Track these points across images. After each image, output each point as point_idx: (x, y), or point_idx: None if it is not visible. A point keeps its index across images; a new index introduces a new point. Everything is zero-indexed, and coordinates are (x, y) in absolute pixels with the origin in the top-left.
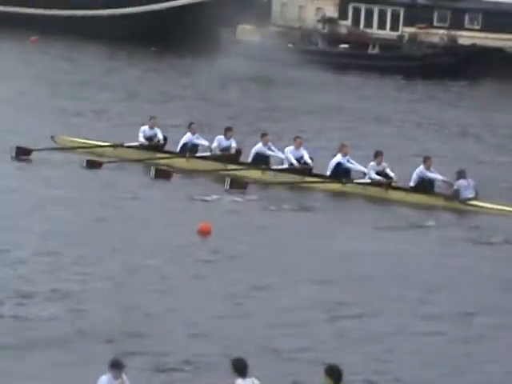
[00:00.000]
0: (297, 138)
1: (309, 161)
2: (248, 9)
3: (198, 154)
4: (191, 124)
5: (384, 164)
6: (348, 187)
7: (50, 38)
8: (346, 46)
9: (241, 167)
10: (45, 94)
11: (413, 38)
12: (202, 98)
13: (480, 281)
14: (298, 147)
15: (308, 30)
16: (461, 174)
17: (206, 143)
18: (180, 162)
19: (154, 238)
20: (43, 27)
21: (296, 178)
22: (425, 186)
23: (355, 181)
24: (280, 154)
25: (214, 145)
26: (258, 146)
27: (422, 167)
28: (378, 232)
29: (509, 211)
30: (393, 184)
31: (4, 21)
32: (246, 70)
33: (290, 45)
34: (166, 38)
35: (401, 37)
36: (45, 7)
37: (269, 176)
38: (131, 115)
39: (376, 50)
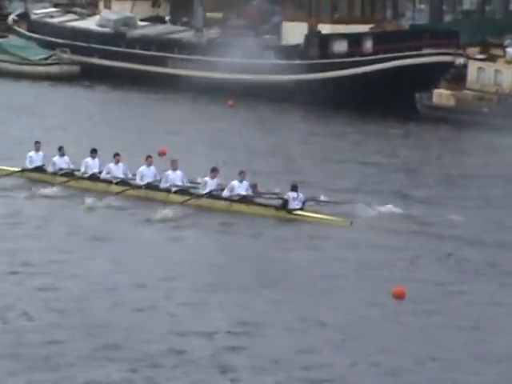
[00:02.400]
0: None
1: None
2: (444, 74)
3: None
4: None
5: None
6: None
7: (244, 103)
8: None
9: None
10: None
11: None
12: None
13: None
14: None
15: (504, 93)
16: (293, 188)
17: None
18: None
19: None
20: (238, 92)
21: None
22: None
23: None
24: None
25: None
26: None
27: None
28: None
29: (328, 219)
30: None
31: (205, 86)
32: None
33: (485, 109)
34: (365, 101)
35: None
36: (241, 73)
37: None
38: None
39: None
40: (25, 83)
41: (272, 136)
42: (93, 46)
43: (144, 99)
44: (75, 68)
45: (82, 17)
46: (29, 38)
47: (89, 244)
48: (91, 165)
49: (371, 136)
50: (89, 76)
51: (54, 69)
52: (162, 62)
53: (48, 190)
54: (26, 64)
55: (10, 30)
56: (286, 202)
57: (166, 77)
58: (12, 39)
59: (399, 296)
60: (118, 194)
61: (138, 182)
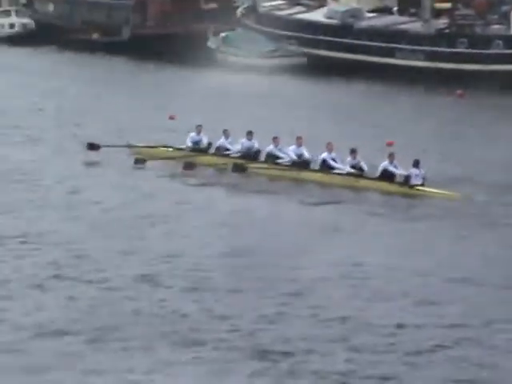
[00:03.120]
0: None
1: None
2: None
3: None
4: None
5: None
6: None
7: (476, 93)
8: None
9: None
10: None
11: None
12: None
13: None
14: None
15: None
16: (415, 164)
17: None
18: None
19: None
20: (468, 82)
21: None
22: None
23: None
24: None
25: None
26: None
27: (386, 162)
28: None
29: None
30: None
31: (433, 77)
32: None
33: None
34: None
35: None
36: (469, 62)
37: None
38: None
39: None
40: (253, 76)
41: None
42: (320, 37)
43: (371, 90)
44: (302, 60)
45: (309, 9)
46: (256, 31)
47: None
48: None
49: None
50: (316, 68)
51: (282, 61)
52: (389, 52)
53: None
54: (254, 57)
55: (238, 22)
56: (408, 178)
57: (394, 68)
58: (240, 32)
59: None
60: None
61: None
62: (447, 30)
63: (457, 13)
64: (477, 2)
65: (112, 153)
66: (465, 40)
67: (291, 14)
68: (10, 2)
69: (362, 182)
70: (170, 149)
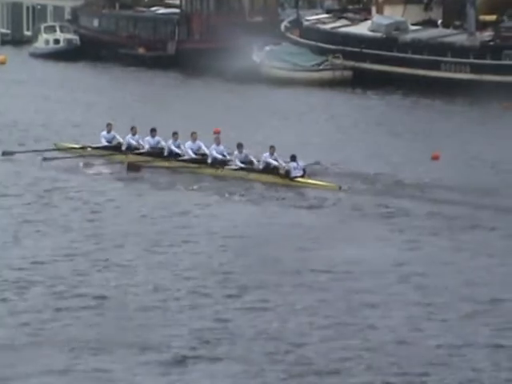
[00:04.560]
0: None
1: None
2: None
3: None
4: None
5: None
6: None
7: None
8: None
9: None
10: None
11: None
12: None
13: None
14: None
15: None
16: (292, 158)
17: None
18: None
19: None
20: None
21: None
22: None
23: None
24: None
25: None
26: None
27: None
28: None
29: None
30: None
31: (479, 90)
32: None
33: None
34: None
35: None
36: None
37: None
38: None
39: None
40: (297, 89)
41: None
42: (365, 51)
43: (417, 103)
44: (348, 73)
45: (353, 22)
46: (301, 45)
47: None
48: None
49: None
50: (361, 81)
51: (327, 75)
52: (434, 65)
53: None
54: (299, 70)
55: (282, 36)
56: (288, 172)
57: (439, 80)
58: (284, 46)
59: None
60: None
61: None
62: (492, 43)
63: (502, 25)
64: None
65: None
66: (510, 52)
67: (335, 28)
68: (55, 17)
69: (251, 175)
70: (89, 149)
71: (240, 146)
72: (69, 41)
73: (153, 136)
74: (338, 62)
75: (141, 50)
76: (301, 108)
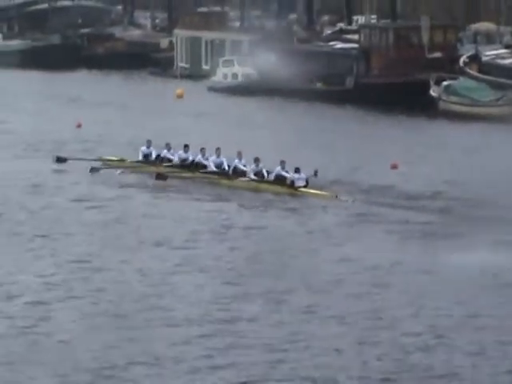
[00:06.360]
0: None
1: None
2: None
3: None
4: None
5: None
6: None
7: None
8: None
9: None
10: None
11: None
12: None
13: None
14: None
15: None
16: (296, 170)
17: None
18: None
19: None
20: None
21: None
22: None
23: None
24: None
25: None
26: None
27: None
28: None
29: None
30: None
31: None
32: None
33: None
34: None
35: None
36: None
37: None
38: None
39: None
40: (476, 125)
41: None
42: None
43: None
44: None
45: None
46: (480, 80)
47: None
48: None
49: None
50: None
51: (506, 110)
52: None
53: None
54: (477, 105)
55: (461, 71)
56: (292, 182)
57: None
58: (463, 81)
59: None
60: None
61: None
62: None
63: None
64: None
65: None
66: None
67: None
68: (233, 51)
69: (262, 186)
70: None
71: (257, 160)
72: (247, 75)
73: (185, 151)
74: None
75: (319, 85)
76: (480, 143)
